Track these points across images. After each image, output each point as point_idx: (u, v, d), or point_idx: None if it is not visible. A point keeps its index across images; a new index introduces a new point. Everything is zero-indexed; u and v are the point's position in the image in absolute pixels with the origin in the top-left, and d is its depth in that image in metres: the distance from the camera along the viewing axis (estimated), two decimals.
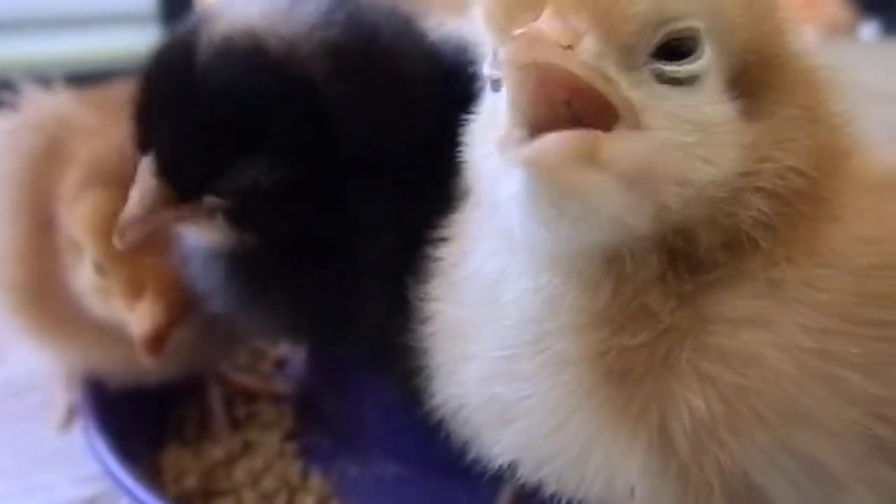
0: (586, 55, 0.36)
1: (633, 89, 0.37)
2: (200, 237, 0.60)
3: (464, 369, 0.46)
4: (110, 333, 0.71)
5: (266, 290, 0.60)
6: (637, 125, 0.37)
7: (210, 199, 0.55)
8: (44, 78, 0.82)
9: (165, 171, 0.53)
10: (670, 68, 0.38)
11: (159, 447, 0.81)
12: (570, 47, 0.36)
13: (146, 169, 0.53)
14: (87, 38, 2.53)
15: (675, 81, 0.38)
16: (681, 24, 0.38)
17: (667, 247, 0.40)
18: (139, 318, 0.65)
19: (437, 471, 0.71)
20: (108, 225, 0.60)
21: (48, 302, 0.74)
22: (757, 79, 0.41)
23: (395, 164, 0.55)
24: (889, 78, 2.33)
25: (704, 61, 0.39)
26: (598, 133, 0.36)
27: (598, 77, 0.36)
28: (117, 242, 0.55)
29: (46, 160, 0.73)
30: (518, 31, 0.36)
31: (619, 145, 0.36)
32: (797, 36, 0.45)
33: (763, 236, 0.40)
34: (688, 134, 0.38)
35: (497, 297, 0.44)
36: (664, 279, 0.40)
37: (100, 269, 0.68)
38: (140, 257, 0.64)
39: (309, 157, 0.54)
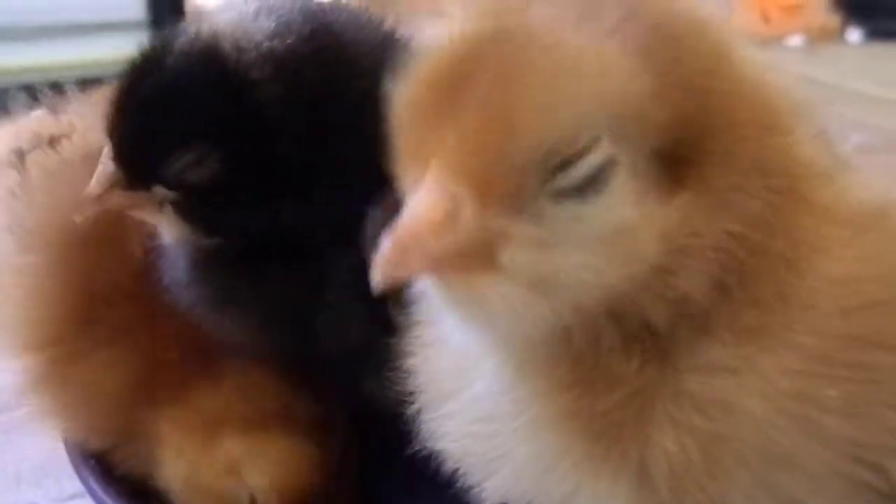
0: (466, 223, 0.35)
1: (530, 226, 0.36)
2: (163, 233, 0.63)
3: (444, 425, 0.46)
4: None
5: (226, 294, 0.62)
6: (544, 247, 0.37)
7: (159, 190, 0.58)
8: (32, 86, 0.81)
9: (118, 156, 0.58)
10: (562, 181, 0.36)
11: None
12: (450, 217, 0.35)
13: (107, 153, 0.58)
14: (77, 46, 2.53)
15: (576, 191, 0.36)
16: (572, 149, 0.36)
17: (614, 319, 0.39)
18: None
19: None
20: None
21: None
22: (690, 147, 0.38)
23: (339, 173, 0.57)
24: (875, 83, 2.35)
25: (597, 158, 0.36)
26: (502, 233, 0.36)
27: (480, 238, 0.36)
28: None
29: (107, 221, 0.64)
30: (389, 237, 0.35)
31: (518, 253, 0.36)
32: (759, 61, 0.42)
33: (714, 297, 0.39)
34: (595, 251, 0.37)
35: (466, 364, 0.45)
36: (623, 344, 0.39)
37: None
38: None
39: (241, 153, 0.57)
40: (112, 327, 0.65)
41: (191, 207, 0.59)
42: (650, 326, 0.39)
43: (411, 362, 0.49)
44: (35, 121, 0.76)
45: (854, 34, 2.93)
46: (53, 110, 0.77)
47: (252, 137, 0.57)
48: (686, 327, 0.39)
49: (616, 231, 0.37)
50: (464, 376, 0.45)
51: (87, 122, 0.69)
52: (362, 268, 0.55)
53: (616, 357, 0.40)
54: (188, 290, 0.63)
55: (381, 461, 0.64)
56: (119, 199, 0.59)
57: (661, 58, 0.37)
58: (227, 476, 0.62)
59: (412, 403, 0.48)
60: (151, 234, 0.65)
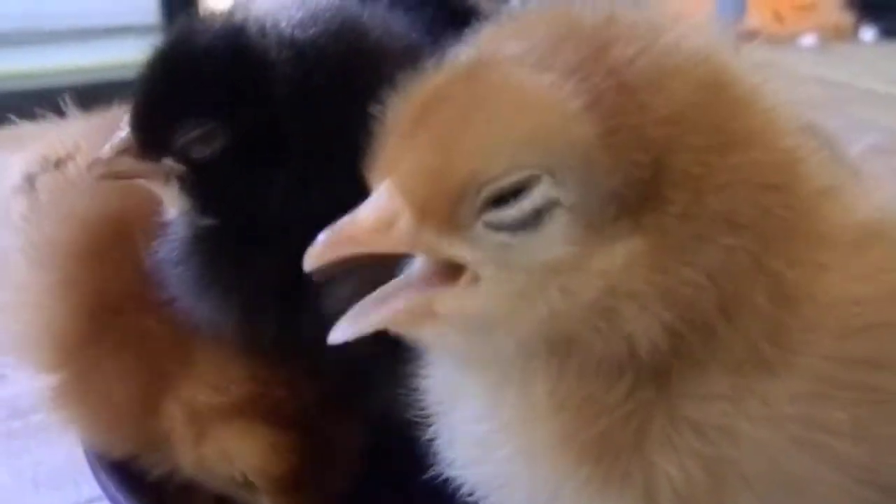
0: (399, 233, 0.39)
1: (463, 247, 0.38)
2: (167, 207, 0.63)
3: (451, 449, 0.47)
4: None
5: (210, 277, 0.61)
6: (474, 278, 0.39)
7: (167, 162, 0.59)
8: (49, 92, 0.81)
9: (132, 123, 0.59)
10: (497, 216, 0.37)
11: None
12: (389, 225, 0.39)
13: (125, 121, 0.60)
14: (90, 50, 2.54)
15: (511, 227, 0.38)
16: (505, 182, 0.37)
17: (566, 349, 0.39)
18: None
19: None
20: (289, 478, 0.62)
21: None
22: (646, 195, 0.37)
23: (340, 170, 0.54)
24: (888, 82, 2.34)
25: (533, 203, 0.37)
26: (431, 293, 0.39)
27: (409, 250, 0.39)
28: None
29: (112, 235, 0.67)
30: (328, 229, 0.40)
31: (450, 302, 0.39)
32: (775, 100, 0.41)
33: (678, 340, 0.38)
34: (522, 281, 0.38)
35: (460, 386, 0.45)
36: (603, 370, 0.39)
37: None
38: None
39: (247, 133, 0.58)
40: (120, 335, 0.66)
41: (194, 183, 0.60)
42: (631, 353, 0.38)
43: (424, 384, 0.49)
44: (43, 144, 0.76)
45: (868, 33, 2.91)
46: (60, 131, 0.77)
47: (259, 118, 0.58)
48: (671, 357, 0.39)
49: (547, 267, 0.38)
50: (460, 398, 0.45)
51: (92, 142, 0.70)
52: (359, 284, 0.55)
53: (598, 382, 0.40)
54: (176, 267, 0.62)
55: (399, 483, 0.64)
56: (128, 165, 0.60)
57: (613, 105, 0.37)
58: (224, 461, 0.64)
59: (428, 426, 0.49)
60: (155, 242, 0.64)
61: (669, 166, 0.37)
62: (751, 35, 0.45)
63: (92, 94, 0.80)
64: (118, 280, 0.66)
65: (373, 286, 0.42)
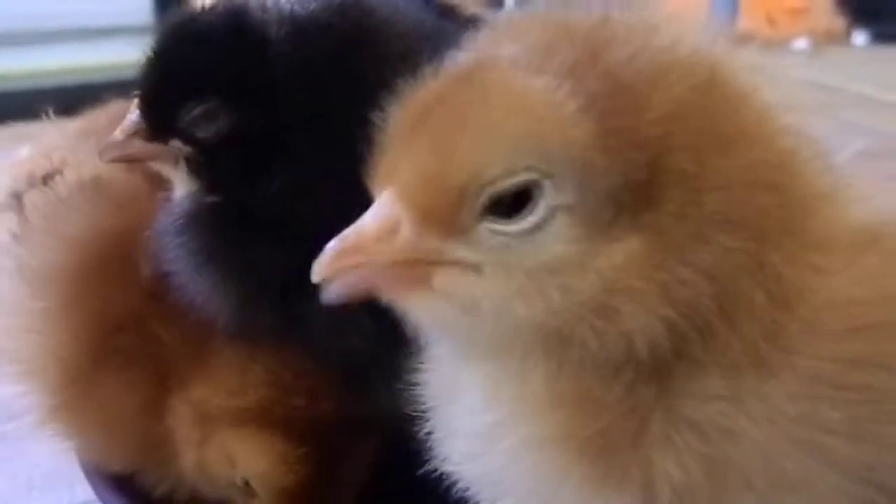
0: (402, 242, 0.39)
1: (465, 249, 0.39)
2: (176, 187, 0.63)
3: (449, 445, 0.47)
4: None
5: (209, 252, 0.61)
6: (476, 270, 0.39)
7: (175, 144, 0.60)
8: (41, 93, 0.81)
9: (141, 106, 0.60)
10: (500, 227, 0.38)
11: None
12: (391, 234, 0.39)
13: (135, 103, 0.61)
14: (84, 51, 2.54)
15: (515, 234, 0.38)
16: (503, 185, 0.37)
17: (563, 345, 0.39)
18: None
19: None
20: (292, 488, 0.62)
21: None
22: (643, 195, 0.38)
23: (338, 155, 0.55)
24: (880, 86, 2.35)
25: (537, 216, 0.38)
26: (436, 262, 0.39)
27: (413, 257, 0.39)
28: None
29: (106, 253, 0.65)
30: (335, 241, 0.40)
31: (450, 277, 0.39)
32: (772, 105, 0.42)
33: (680, 337, 0.38)
34: (521, 280, 0.38)
35: (460, 380, 0.45)
36: (601, 367, 0.39)
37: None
38: None
39: (249, 112, 0.58)
40: (125, 352, 0.65)
41: (200, 164, 0.60)
42: (629, 352, 0.39)
43: (423, 378, 0.49)
44: (28, 160, 0.76)
45: (860, 37, 2.93)
46: (45, 140, 0.77)
47: (260, 96, 0.58)
48: (671, 356, 0.39)
49: (546, 267, 0.38)
50: (460, 392, 0.45)
51: (79, 154, 0.70)
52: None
53: (597, 379, 0.40)
54: (176, 238, 0.62)
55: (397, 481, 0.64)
56: (139, 147, 0.61)
57: (608, 106, 0.38)
58: (226, 465, 0.64)
59: (425, 421, 0.48)
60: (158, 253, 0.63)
61: (666, 166, 0.38)
62: (743, 39, 0.45)
63: (84, 95, 0.80)
64: (117, 298, 0.65)
65: None
